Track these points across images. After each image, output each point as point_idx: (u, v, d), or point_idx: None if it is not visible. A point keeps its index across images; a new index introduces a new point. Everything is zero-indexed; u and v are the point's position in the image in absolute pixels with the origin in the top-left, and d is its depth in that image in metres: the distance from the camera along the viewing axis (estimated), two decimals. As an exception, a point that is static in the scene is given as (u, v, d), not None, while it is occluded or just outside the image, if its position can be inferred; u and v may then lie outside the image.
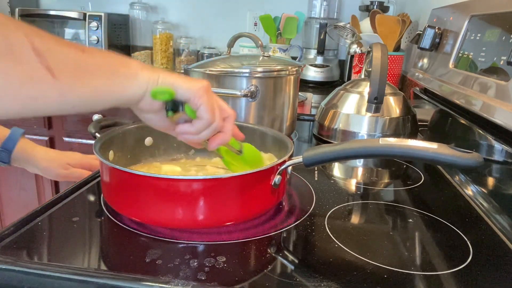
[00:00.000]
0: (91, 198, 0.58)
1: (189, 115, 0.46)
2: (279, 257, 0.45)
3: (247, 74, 0.79)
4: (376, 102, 0.79)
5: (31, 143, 0.82)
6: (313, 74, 1.75)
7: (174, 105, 0.46)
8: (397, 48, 1.41)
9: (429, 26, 0.96)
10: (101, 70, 0.40)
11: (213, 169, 0.65)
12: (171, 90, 0.44)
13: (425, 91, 1.07)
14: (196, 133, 0.47)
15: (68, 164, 0.81)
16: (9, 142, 0.78)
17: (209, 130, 0.47)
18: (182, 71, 1.83)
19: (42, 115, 0.42)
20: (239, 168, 0.56)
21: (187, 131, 0.48)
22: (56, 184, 1.53)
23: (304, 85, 1.75)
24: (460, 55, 0.80)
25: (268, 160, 0.62)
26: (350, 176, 0.75)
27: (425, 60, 1.03)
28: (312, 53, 1.78)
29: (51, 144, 1.54)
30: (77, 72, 0.38)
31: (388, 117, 0.84)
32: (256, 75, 0.79)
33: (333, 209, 0.56)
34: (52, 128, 1.53)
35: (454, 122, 0.81)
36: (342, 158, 0.51)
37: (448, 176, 0.73)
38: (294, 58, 1.80)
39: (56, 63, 0.36)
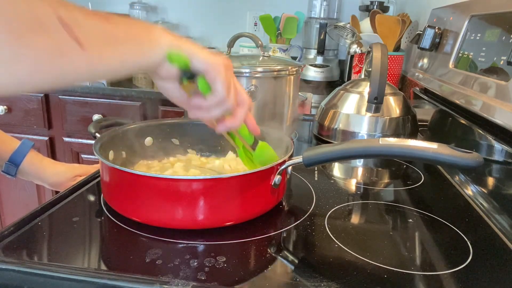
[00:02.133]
0: (91, 198, 0.58)
1: (201, 88, 0.45)
2: (279, 257, 0.45)
3: (247, 74, 0.79)
4: (376, 102, 0.79)
5: (39, 157, 0.81)
6: (313, 74, 1.75)
7: (191, 75, 0.45)
8: (397, 48, 1.41)
9: (429, 26, 0.96)
10: (127, 39, 0.40)
11: (196, 171, 0.63)
12: (186, 57, 0.43)
13: (425, 91, 1.07)
14: (207, 108, 0.46)
15: (77, 175, 0.81)
16: (17, 156, 0.77)
17: (220, 108, 0.46)
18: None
19: (71, 86, 0.43)
20: (250, 165, 0.56)
21: (199, 105, 0.47)
22: (56, 184, 1.53)
23: (304, 85, 1.75)
24: (460, 55, 0.80)
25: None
26: (350, 176, 0.75)
27: (425, 60, 1.03)
28: (312, 53, 1.78)
29: (51, 144, 1.54)
30: (105, 42, 0.38)
31: (388, 117, 0.84)
32: (256, 75, 0.79)
33: (333, 209, 0.56)
34: (52, 128, 1.53)
35: (454, 122, 0.81)
36: (342, 158, 0.51)
37: (448, 176, 0.73)
38: (294, 58, 1.80)
39: (83, 34, 0.35)
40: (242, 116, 0.49)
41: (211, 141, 0.69)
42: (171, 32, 0.44)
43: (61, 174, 0.80)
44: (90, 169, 0.82)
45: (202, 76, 0.45)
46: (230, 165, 0.64)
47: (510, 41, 0.61)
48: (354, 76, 1.53)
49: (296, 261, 0.44)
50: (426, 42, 0.96)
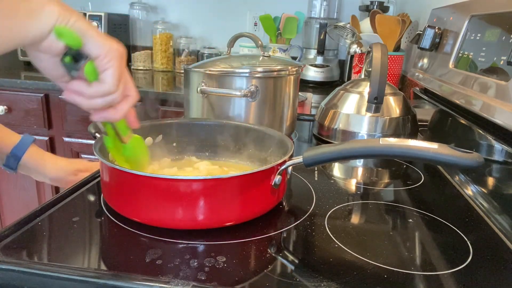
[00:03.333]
0: (91, 198, 0.58)
1: (87, 75, 0.39)
2: (279, 257, 0.45)
3: (247, 74, 0.79)
4: (376, 102, 0.79)
5: (40, 152, 0.80)
6: (313, 74, 1.75)
7: (77, 55, 0.39)
8: (397, 48, 1.41)
9: (429, 26, 0.96)
10: None
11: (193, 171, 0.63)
12: (79, 38, 0.38)
13: (425, 91, 1.07)
14: (89, 97, 0.41)
15: (77, 170, 0.80)
16: (18, 149, 0.76)
17: (104, 99, 0.41)
18: (182, 71, 1.83)
19: None
20: (117, 156, 0.53)
21: (80, 91, 0.41)
22: (56, 184, 1.53)
23: (304, 85, 1.75)
24: (460, 55, 0.80)
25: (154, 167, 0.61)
26: (350, 176, 0.75)
27: (425, 60, 1.03)
28: (312, 53, 1.78)
29: (51, 144, 1.54)
30: None
31: (388, 117, 0.84)
32: (256, 75, 0.79)
33: (333, 209, 0.56)
34: (52, 128, 1.53)
35: (454, 122, 0.81)
36: (342, 158, 0.51)
37: (448, 176, 0.73)
38: (294, 58, 1.80)
39: None
40: (124, 111, 0.44)
41: (211, 142, 0.69)
42: (59, 1, 0.38)
43: (61, 168, 0.80)
44: (91, 165, 0.81)
45: (91, 60, 0.39)
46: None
47: (510, 41, 0.61)
48: (354, 76, 1.53)
49: (296, 261, 0.44)
50: (426, 42, 0.96)
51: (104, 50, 0.39)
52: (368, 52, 0.93)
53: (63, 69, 0.41)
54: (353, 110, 0.86)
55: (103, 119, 0.44)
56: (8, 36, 0.35)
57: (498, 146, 0.62)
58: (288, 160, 0.53)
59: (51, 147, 1.55)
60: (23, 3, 0.35)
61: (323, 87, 1.74)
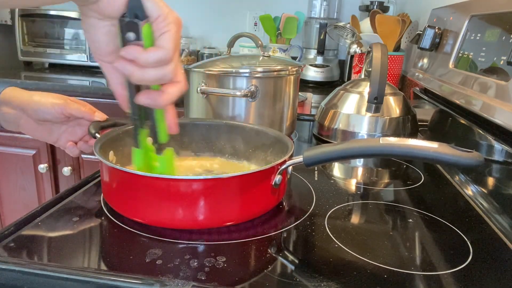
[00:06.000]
0: (91, 198, 0.58)
1: (145, 36, 0.38)
2: (279, 257, 0.45)
3: (247, 74, 0.79)
4: (376, 102, 0.79)
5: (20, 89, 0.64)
6: (313, 74, 1.75)
7: (135, 16, 0.38)
8: (397, 48, 1.41)
9: (429, 26, 0.96)
10: None
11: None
12: None
13: (425, 91, 1.07)
14: (144, 63, 0.38)
15: (67, 98, 0.64)
16: None
17: (157, 71, 0.38)
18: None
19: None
20: (145, 168, 0.50)
21: (134, 57, 0.38)
22: (56, 184, 1.53)
23: (304, 85, 1.75)
24: (460, 55, 0.80)
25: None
26: (350, 176, 0.75)
27: (425, 60, 1.03)
28: (312, 53, 1.78)
29: (51, 144, 1.54)
30: None
31: (388, 117, 0.84)
32: (256, 75, 0.79)
33: (333, 209, 0.56)
34: (52, 128, 1.53)
35: (454, 122, 0.81)
36: (343, 157, 0.51)
37: (448, 176, 0.72)
38: (294, 58, 1.80)
39: None
40: (172, 96, 0.41)
41: (211, 142, 0.69)
42: None
43: (54, 96, 0.63)
44: (72, 99, 0.66)
45: (149, 23, 0.38)
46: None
47: (510, 41, 0.61)
48: (354, 76, 1.53)
49: (296, 261, 0.44)
50: (426, 42, 0.96)
51: (164, 12, 0.37)
52: (368, 52, 0.93)
53: (117, 38, 0.39)
54: (353, 110, 0.86)
55: (149, 101, 0.41)
56: None
57: (498, 146, 0.62)
58: (288, 160, 0.53)
59: (51, 147, 1.55)
60: None
61: (323, 87, 1.74)
